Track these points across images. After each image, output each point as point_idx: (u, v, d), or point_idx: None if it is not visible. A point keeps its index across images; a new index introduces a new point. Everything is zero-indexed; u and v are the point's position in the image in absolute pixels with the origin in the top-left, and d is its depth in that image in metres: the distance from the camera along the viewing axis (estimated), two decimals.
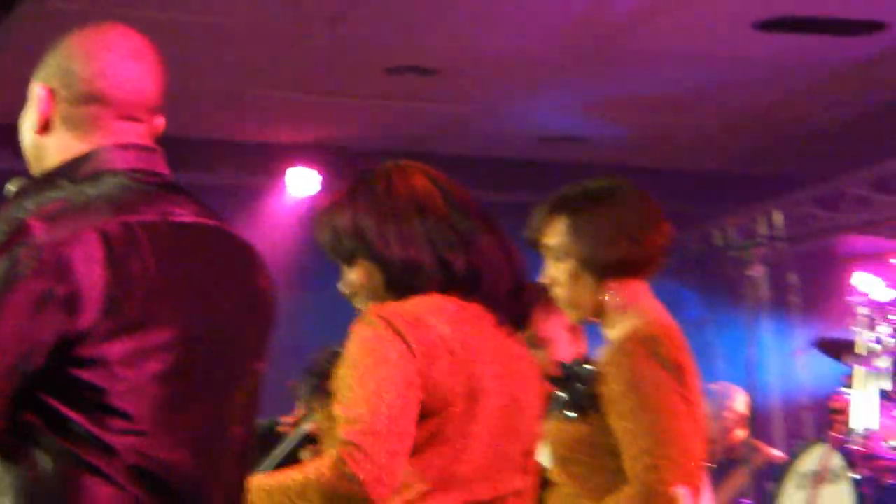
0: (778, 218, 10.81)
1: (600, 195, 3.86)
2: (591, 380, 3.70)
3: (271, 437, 3.67)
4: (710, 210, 11.50)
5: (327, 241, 3.30)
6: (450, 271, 3.15)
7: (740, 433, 8.32)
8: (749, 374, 10.07)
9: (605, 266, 3.77)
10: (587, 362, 3.81)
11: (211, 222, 2.71)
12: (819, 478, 5.82)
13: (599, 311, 3.82)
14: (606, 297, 3.79)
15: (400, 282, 3.17)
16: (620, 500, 3.58)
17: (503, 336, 3.20)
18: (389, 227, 3.21)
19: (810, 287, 10.70)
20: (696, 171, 11.45)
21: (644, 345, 3.65)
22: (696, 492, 3.54)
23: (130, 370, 2.48)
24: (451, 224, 3.19)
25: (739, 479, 7.44)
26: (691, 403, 3.66)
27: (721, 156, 11.14)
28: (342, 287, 3.29)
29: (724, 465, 8.27)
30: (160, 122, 2.74)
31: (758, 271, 6.12)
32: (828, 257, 6.54)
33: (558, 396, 3.75)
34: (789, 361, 10.16)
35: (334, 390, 3.10)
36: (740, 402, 8.16)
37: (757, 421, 9.46)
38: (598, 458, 3.69)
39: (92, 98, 2.67)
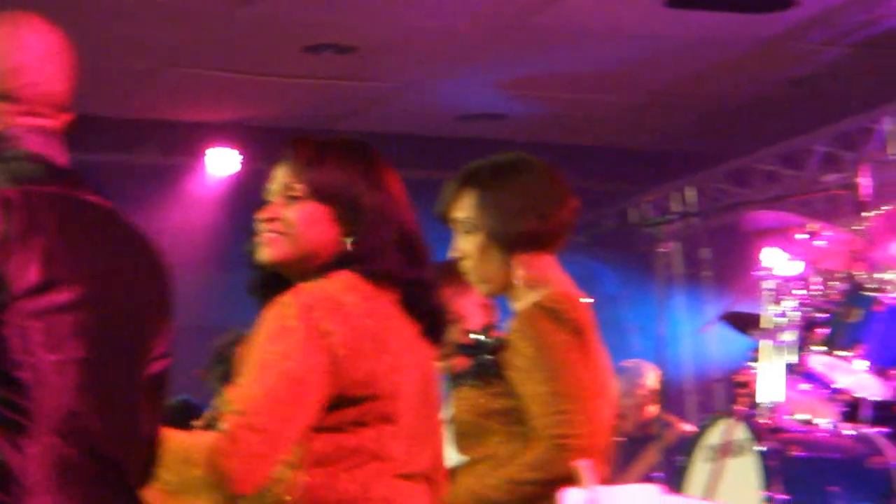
0: (690, 194, 10.88)
1: (509, 170, 3.87)
2: (499, 349, 3.71)
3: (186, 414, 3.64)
4: (627, 187, 11.54)
5: None
6: (359, 250, 3.11)
7: (652, 409, 8.36)
8: (661, 349, 10.14)
9: (514, 240, 3.78)
10: (493, 332, 3.82)
11: (109, 205, 2.74)
12: (725, 451, 5.84)
13: (508, 285, 3.82)
14: (515, 271, 3.78)
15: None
16: (529, 458, 3.61)
17: (404, 317, 3.17)
18: None
19: (722, 262, 10.78)
20: (613, 148, 11.49)
21: (548, 312, 3.67)
22: (599, 459, 3.54)
23: (41, 327, 2.51)
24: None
25: (652, 454, 7.47)
26: (594, 370, 3.70)
27: (637, 133, 11.18)
28: None
29: (636, 441, 8.31)
30: (67, 117, 2.76)
31: (669, 247, 6.08)
32: (738, 233, 6.59)
33: (467, 367, 3.77)
34: (701, 336, 10.21)
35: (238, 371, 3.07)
36: (652, 377, 8.18)
37: (669, 396, 9.54)
38: (508, 426, 3.70)
39: (2, 96, 2.70)
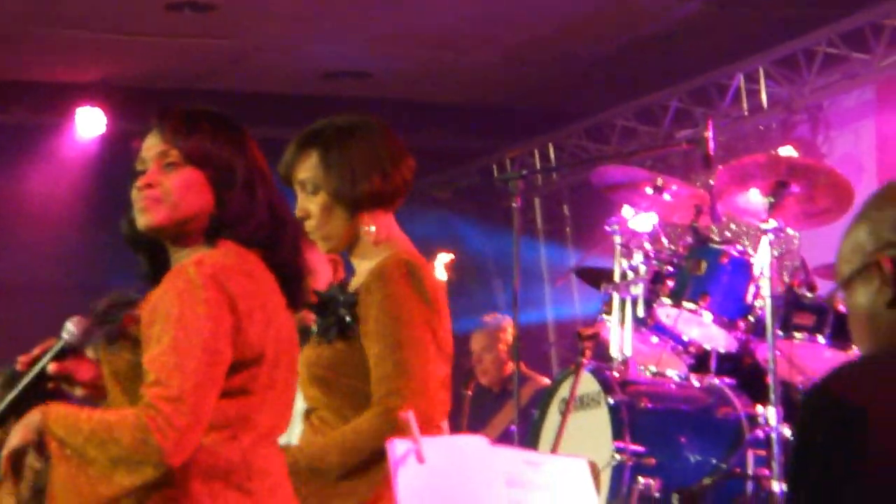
0: (550, 150, 10.82)
1: (350, 130, 3.79)
2: (349, 304, 3.63)
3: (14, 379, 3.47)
4: (489, 143, 11.45)
5: None
6: (231, 215, 3.10)
7: (513, 364, 8.30)
8: (523, 304, 10.08)
9: (357, 199, 3.70)
10: (344, 288, 3.73)
11: None
12: (576, 404, 5.77)
13: (352, 243, 3.76)
14: (362, 229, 3.72)
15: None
16: (360, 423, 3.53)
17: (276, 282, 3.15)
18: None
19: (580, 217, 10.77)
20: (476, 105, 11.39)
21: (403, 272, 3.60)
22: (432, 427, 3.45)
23: None
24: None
25: (512, 408, 7.39)
26: (440, 341, 3.63)
27: (499, 90, 11.08)
28: None
29: (498, 396, 8.25)
30: None
31: (520, 202, 5.98)
32: (593, 188, 6.52)
33: (317, 323, 3.70)
34: (562, 290, 10.18)
35: (141, 339, 3.01)
36: (510, 331, 8.13)
37: (531, 350, 9.49)
38: (355, 380, 3.62)
39: None
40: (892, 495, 1.95)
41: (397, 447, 2.93)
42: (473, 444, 2.88)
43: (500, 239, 10.61)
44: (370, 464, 3.45)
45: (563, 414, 5.34)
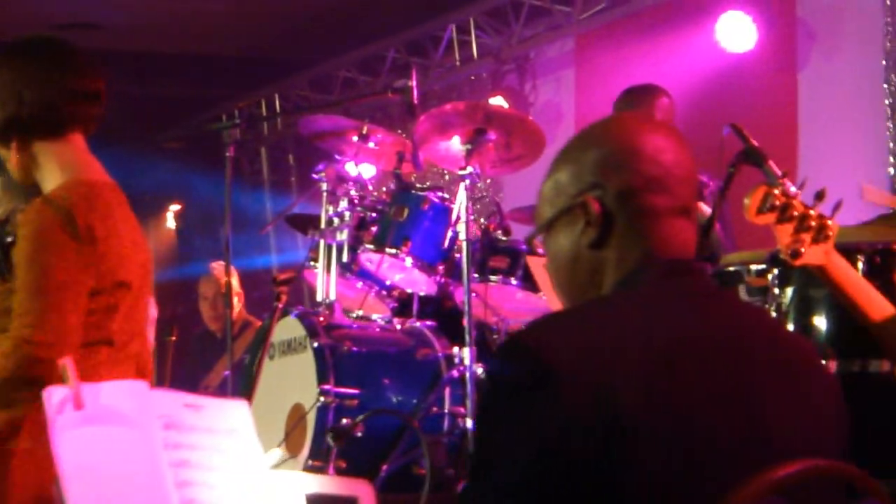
0: (276, 101, 10.67)
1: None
2: (6, 246, 3.34)
3: None
4: (220, 94, 11.21)
5: None
6: None
7: (236, 308, 8.18)
8: (249, 251, 9.94)
9: (4, 128, 3.39)
10: (4, 227, 3.44)
11: None
12: (283, 348, 5.65)
13: (28, 174, 3.43)
14: (16, 158, 3.41)
15: None
16: None
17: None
18: None
19: (304, 166, 10.64)
20: (204, 55, 11.12)
21: (55, 207, 3.25)
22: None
23: None
24: None
25: (236, 352, 7.22)
26: (104, 273, 3.29)
27: (226, 41, 10.82)
28: None
29: (222, 341, 8.08)
30: None
31: (233, 151, 5.81)
32: (301, 137, 6.39)
33: None
34: (287, 236, 10.07)
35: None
36: (233, 278, 7.99)
37: (257, 296, 9.37)
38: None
39: None
40: (572, 453, 1.87)
41: (53, 394, 2.73)
42: (132, 389, 2.72)
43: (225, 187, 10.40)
44: (18, 400, 3.17)
45: (259, 359, 5.19)
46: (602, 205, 2.14)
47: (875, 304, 3.19)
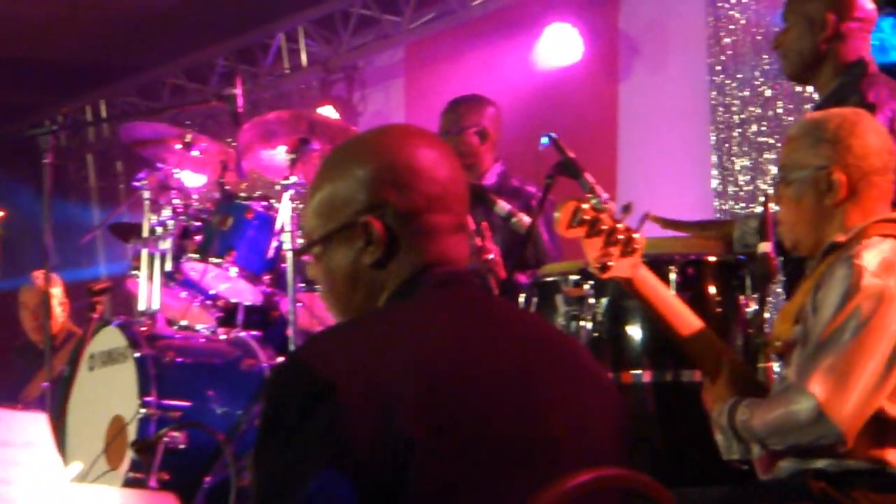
0: (102, 107, 10.49)
1: None
2: None
3: None
4: (45, 99, 10.96)
5: None
6: None
7: (60, 318, 8.03)
8: (76, 260, 9.74)
9: None
10: None
11: None
12: (104, 359, 5.53)
13: None
14: None
15: None
16: None
17: None
18: None
19: (132, 174, 10.46)
20: (32, 60, 10.83)
21: None
22: None
23: None
24: None
25: (59, 363, 7.06)
26: None
27: (55, 46, 10.56)
28: None
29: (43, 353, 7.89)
30: None
31: (51, 158, 5.67)
32: (122, 144, 6.25)
33: None
34: (108, 245, 9.89)
35: None
36: (57, 287, 7.87)
37: (74, 305, 9.17)
38: None
39: None
40: (357, 467, 1.84)
41: None
42: None
43: (52, 196, 10.18)
44: None
45: (73, 370, 5.08)
46: (384, 225, 2.10)
47: (682, 318, 3.23)
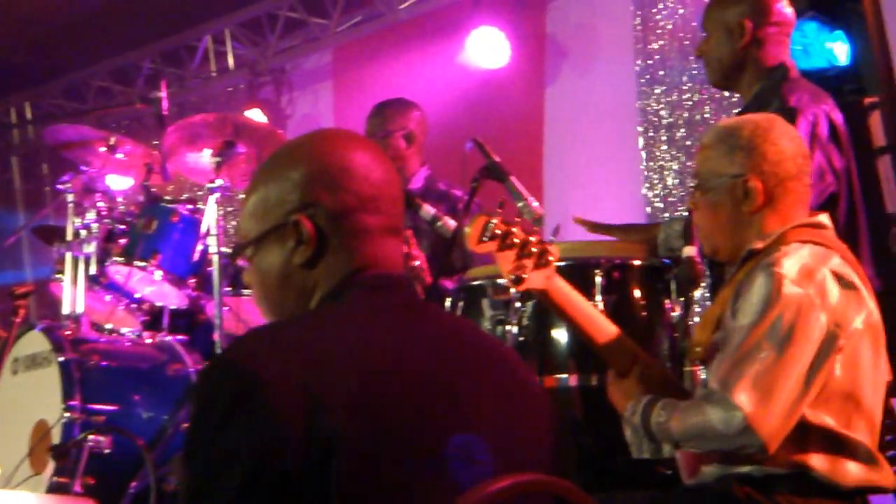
0: (27, 109, 10.36)
1: None
2: None
3: None
4: None
5: None
6: None
7: None
8: (0, 262, 9.61)
9: None
10: None
11: None
12: (28, 363, 5.45)
13: None
14: None
15: None
16: None
17: None
18: None
19: (57, 176, 10.33)
20: None
21: None
22: None
23: None
24: None
25: None
26: None
27: None
28: None
29: None
30: None
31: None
32: (47, 146, 6.21)
33: None
34: (34, 249, 9.79)
35: None
36: None
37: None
38: None
39: None
40: (282, 465, 1.83)
41: None
42: None
43: None
44: None
45: (21, 373, 5.01)
46: (315, 225, 2.11)
47: (599, 326, 3.23)
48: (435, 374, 2.01)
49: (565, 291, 3.22)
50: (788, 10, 4.36)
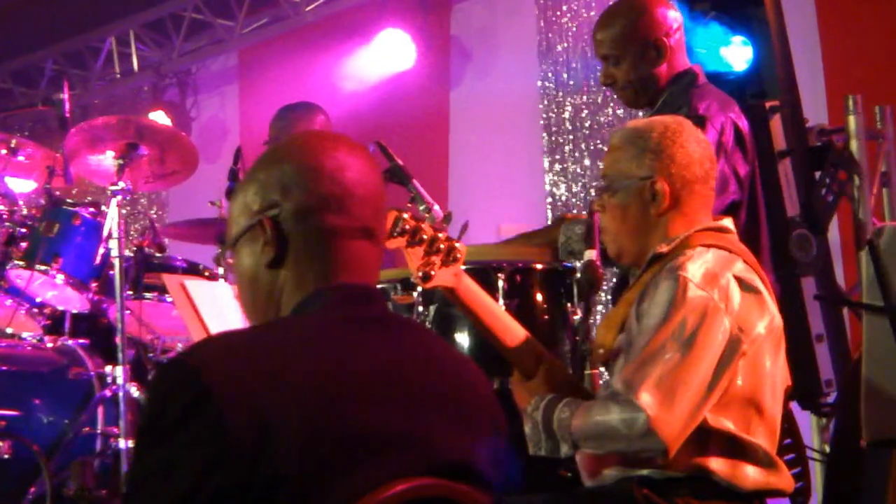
0: None
1: None
2: None
3: None
4: None
5: None
6: None
7: None
8: None
9: None
10: None
11: None
12: None
13: None
14: None
15: None
16: None
17: None
18: None
19: None
20: None
21: None
22: None
23: None
24: None
25: None
26: None
27: None
28: None
29: None
30: None
31: None
32: None
33: None
34: None
35: None
36: None
37: None
38: None
39: None
40: (231, 472, 1.79)
41: None
42: None
43: None
44: None
45: None
46: (277, 224, 2.09)
47: (505, 326, 3.21)
48: (398, 396, 1.98)
49: (473, 290, 3.20)
50: (677, 12, 4.33)
